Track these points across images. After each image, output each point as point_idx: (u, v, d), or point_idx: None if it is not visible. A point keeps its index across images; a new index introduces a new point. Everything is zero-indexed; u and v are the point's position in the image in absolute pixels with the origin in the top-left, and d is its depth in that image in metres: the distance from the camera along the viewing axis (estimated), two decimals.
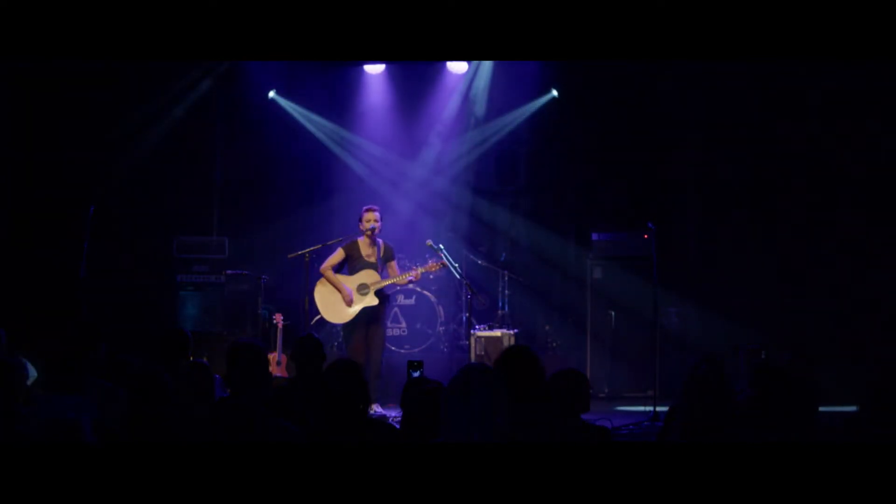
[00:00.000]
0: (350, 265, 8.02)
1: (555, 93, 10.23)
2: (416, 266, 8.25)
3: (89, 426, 3.27)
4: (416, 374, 6.10)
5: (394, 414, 7.55)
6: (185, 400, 4.15)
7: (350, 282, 7.99)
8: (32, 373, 5.02)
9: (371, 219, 7.97)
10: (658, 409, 7.49)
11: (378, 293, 7.95)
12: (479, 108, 10.39)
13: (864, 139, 9.32)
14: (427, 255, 9.05)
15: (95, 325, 5.26)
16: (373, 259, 8.01)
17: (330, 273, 7.98)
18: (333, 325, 8.87)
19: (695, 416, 3.64)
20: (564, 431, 4.09)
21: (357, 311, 7.88)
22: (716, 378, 3.69)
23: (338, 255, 8.03)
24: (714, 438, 3.54)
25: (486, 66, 10.25)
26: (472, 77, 10.35)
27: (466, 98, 10.38)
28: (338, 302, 7.95)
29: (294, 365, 5.74)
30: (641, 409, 8.06)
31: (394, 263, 8.13)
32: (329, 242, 8.25)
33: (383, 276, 8.04)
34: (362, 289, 7.95)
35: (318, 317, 8.49)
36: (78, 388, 4.47)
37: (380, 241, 8.08)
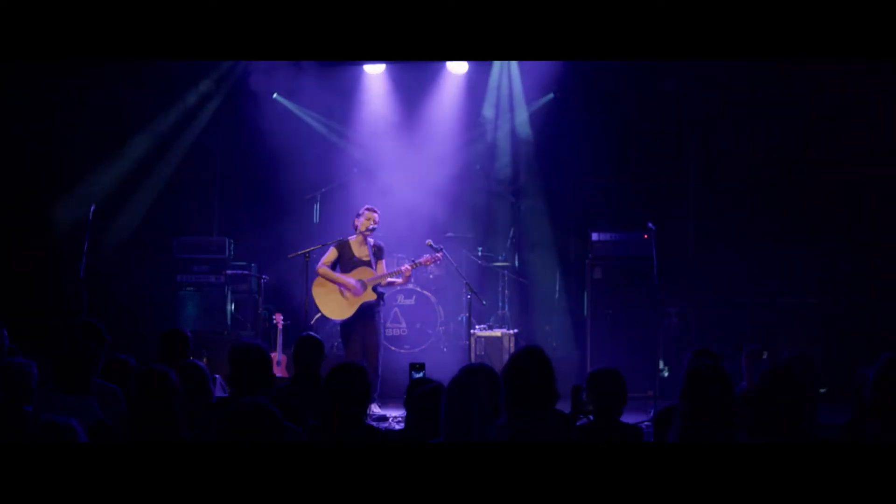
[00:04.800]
0: (342, 264, 8.04)
1: (552, 95, 10.24)
2: (409, 263, 8.21)
3: (81, 428, 3.25)
4: (418, 376, 6.09)
5: (394, 414, 7.55)
6: (184, 400, 4.15)
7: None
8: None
9: (373, 219, 8.02)
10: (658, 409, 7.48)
11: (374, 290, 7.97)
12: (489, 108, 10.41)
13: (864, 139, 9.31)
14: (427, 255, 9.04)
15: (101, 326, 5.27)
16: (366, 258, 8.04)
17: (329, 271, 7.99)
18: (334, 326, 8.87)
19: (697, 414, 3.62)
20: (603, 432, 4.11)
21: (357, 307, 7.90)
22: (719, 374, 3.68)
23: (331, 254, 8.06)
24: (715, 437, 3.53)
25: (509, 66, 10.27)
26: (497, 78, 10.36)
27: (498, 100, 10.38)
28: (337, 298, 7.96)
29: (294, 365, 5.74)
30: (642, 400, 8.04)
31: (382, 263, 8.14)
32: (329, 242, 8.25)
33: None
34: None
35: (318, 315, 8.49)
36: (83, 388, 4.47)
37: (370, 240, 8.10)
